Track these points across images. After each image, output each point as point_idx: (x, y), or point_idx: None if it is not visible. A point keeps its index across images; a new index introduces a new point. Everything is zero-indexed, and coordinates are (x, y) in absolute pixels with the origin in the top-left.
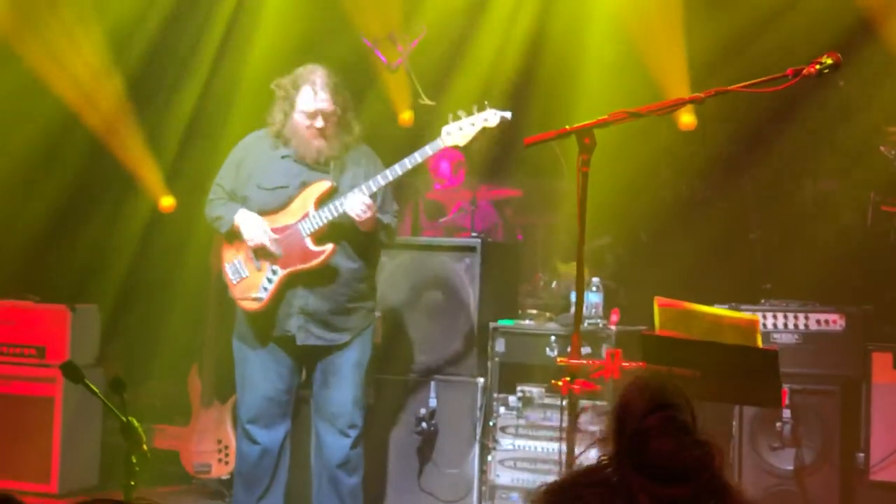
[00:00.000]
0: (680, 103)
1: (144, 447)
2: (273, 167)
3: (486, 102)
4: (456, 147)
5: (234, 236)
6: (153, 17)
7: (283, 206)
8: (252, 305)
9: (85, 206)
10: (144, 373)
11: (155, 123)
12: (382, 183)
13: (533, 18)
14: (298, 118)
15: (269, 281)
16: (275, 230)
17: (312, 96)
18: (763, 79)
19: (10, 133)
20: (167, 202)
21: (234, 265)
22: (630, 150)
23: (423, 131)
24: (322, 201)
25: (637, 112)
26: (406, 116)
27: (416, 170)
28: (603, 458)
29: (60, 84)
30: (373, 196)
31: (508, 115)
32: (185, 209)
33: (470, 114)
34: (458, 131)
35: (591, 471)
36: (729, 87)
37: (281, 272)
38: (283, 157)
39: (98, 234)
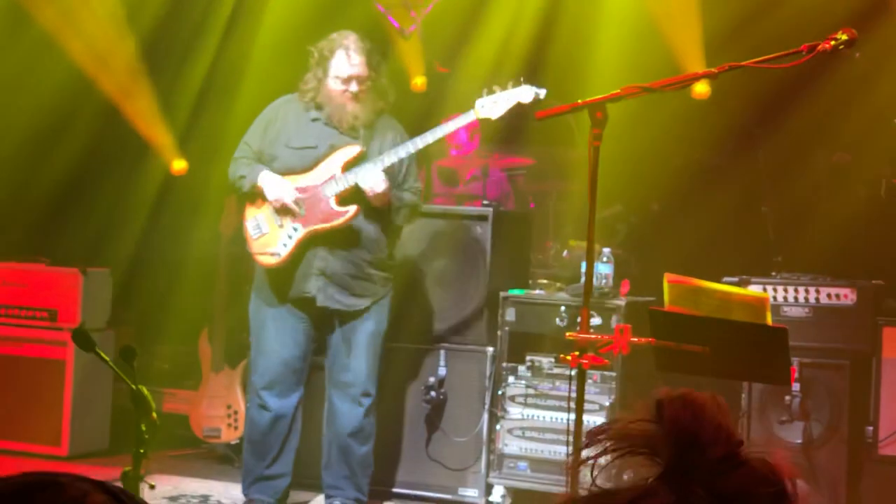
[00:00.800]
0: (693, 78)
1: (154, 415)
2: (303, 128)
3: (521, 78)
4: (488, 120)
5: (255, 196)
6: None
7: (309, 167)
8: (270, 261)
9: (98, 169)
10: (156, 337)
11: (168, 88)
12: (397, 158)
13: None
14: (333, 84)
15: (290, 238)
16: (299, 189)
17: (346, 61)
18: (777, 54)
19: (24, 96)
20: (179, 166)
21: (256, 220)
22: (643, 120)
23: (436, 98)
24: (350, 166)
25: (650, 87)
26: (419, 82)
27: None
28: (651, 481)
29: (74, 47)
30: (389, 170)
31: (543, 92)
32: (198, 174)
33: (504, 88)
34: (493, 105)
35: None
36: (742, 63)
37: (302, 230)
38: (313, 119)
39: (111, 198)
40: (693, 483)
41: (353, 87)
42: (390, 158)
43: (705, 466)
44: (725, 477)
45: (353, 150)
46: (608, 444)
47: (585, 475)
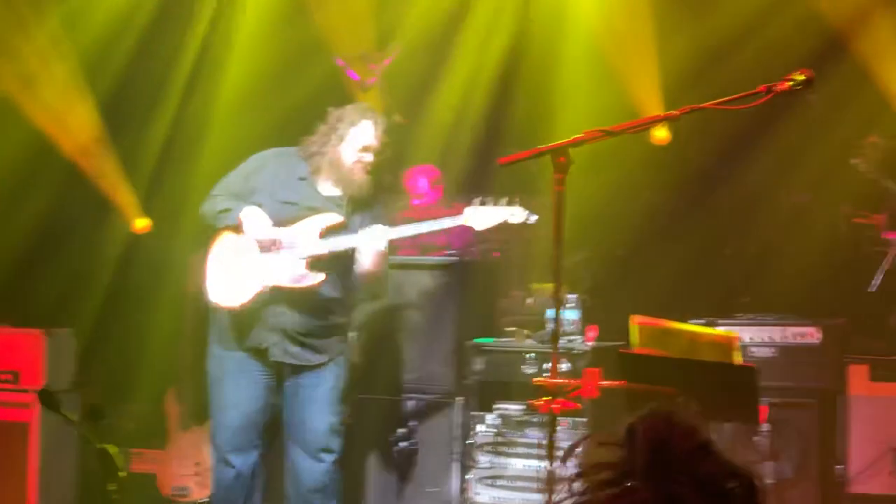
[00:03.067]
0: (654, 121)
1: (122, 474)
2: (288, 183)
3: (516, 199)
4: (472, 228)
5: (227, 233)
6: (127, 41)
7: (289, 222)
8: (227, 303)
9: (60, 230)
10: (122, 396)
11: (130, 146)
12: (404, 234)
13: (508, 36)
14: (347, 151)
15: (253, 285)
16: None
17: (372, 132)
18: (736, 96)
19: None
20: (142, 224)
21: (220, 260)
22: (605, 166)
23: (398, 150)
24: (327, 232)
25: (612, 130)
26: None
27: (394, 187)
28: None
29: (34, 109)
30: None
31: (535, 218)
32: (162, 232)
33: (497, 203)
34: (482, 216)
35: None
36: (702, 105)
37: (266, 283)
38: (300, 178)
39: (74, 258)
40: (672, 474)
41: (368, 157)
42: (398, 233)
43: (682, 458)
44: (702, 463)
45: (333, 218)
46: (580, 479)
47: None
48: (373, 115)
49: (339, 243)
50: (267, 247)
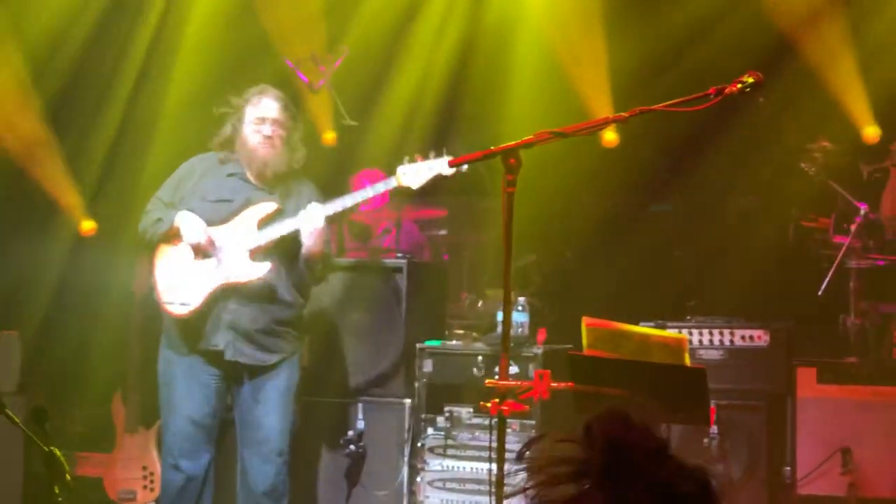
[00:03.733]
0: (604, 123)
1: (68, 477)
2: (218, 182)
3: (443, 149)
4: (408, 189)
5: (169, 241)
6: (73, 41)
7: (224, 219)
8: (179, 311)
9: (5, 232)
10: (68, 399)
11: (76, 149)
12: (343, 207)
13: (458, 39)
14: (248, 129)
15: (202, 289)
16: (215, 240)
17: (263, 105)
18: (686, 98)
19: None
20: (88, 226)
21: (167, 269)
22: (555, 169)
23: (346, 152)
24: (265, 222)
25: (562, 132)
26: (329, 136)
27: (340, 190)
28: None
29: None
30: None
31: (465, 166)
32: (108, 234)
33: (426, 158)
34: (414, 174)
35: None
36: (652, 107)
37: (215, 283)
38: (228, 174)
39: (20, 261)
40: (627, 477)
41: (267, 129)
42: (334, 207)
43: (638, 461)
44: (657, 467)
45: (269, 207)
46: (537, 475)
47: None
48: (263, 90)
49: (278, 230)
50: (205, 249)
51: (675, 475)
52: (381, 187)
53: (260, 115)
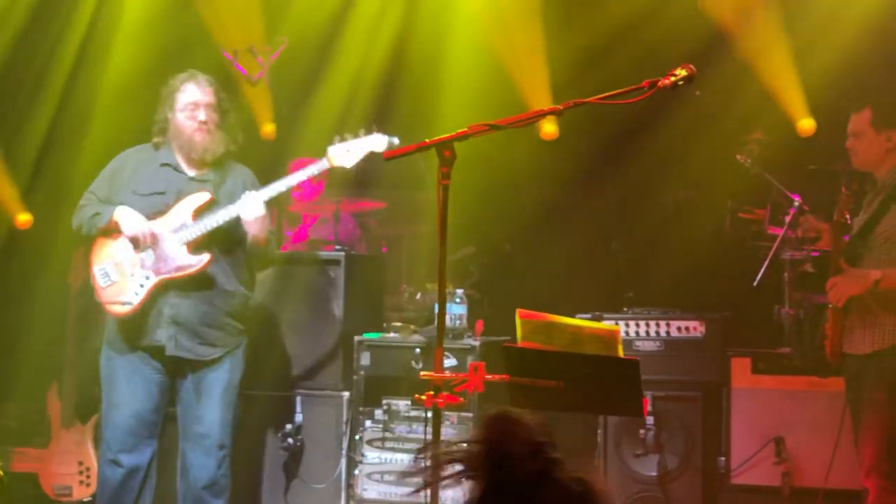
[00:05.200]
0: (540, 115)
1: (1, 473)
2: (151, 174)
3: (373, 126)
4: (342, 168)
5: (105, 238)
6: (7, 31)
7: (159, 212)
8: (120, 310)
9: None
10: (2, 394)
11: (10, 140)
12: (277, 192)
13: (395, 30)
14: (181, 116)
15: (142, 286)
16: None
17: (196, 89)
18: (620, 91)
19: None
20: (24, 218)
21: (104, 269)
22: (492, 161)
23: (284, 144)
24: (200, 213)
25: (497, 124)
26: (268, 129)
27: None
28: (472, 501)
29: None
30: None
31: (396, 140)
32: (43, 225)
33: (356, 136)
34: (346, 153)
35: None
36: (587, 99)
37: (154, 279)
38: (162, 164)
39: None
40: (504, 470)
41: (202, 114)
42: (270, 192)
43: (519, 482)
44: (538, 492)
45: (202, 197)
46: (435, 466)
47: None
48: (194, 75)
49: (214, 219)
50: (143, 243)
51: (557, 500)
52: (313, 169)
53: (192, 101)
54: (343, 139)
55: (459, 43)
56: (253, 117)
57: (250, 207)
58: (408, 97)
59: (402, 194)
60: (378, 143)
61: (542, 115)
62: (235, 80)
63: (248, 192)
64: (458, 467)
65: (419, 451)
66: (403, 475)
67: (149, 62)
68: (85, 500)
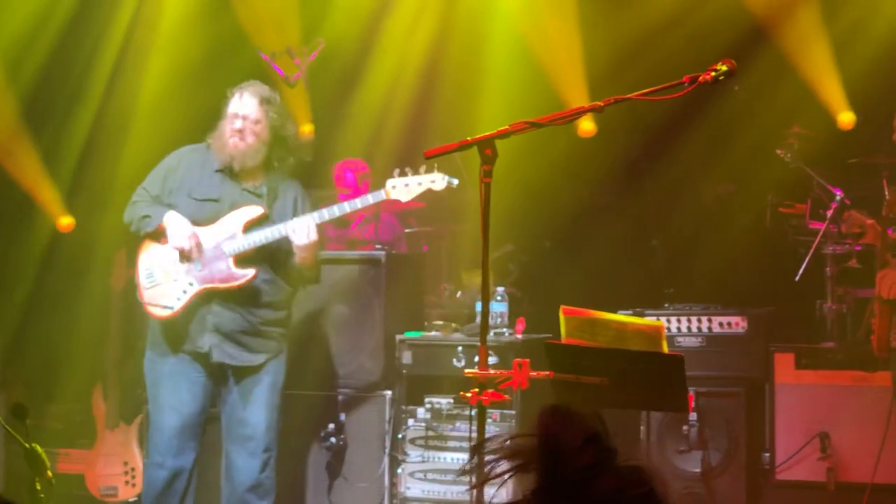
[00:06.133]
0: (580, 112)
1: (49, 473)
2: (206, 179)
3: (434, 165)
4: (397, 201)
5: (155, 239)
6: (48, 34)
7: (210, 220)
8: (161, 313)
9: None
10: (47, 396)
11: (52, 143)
12: (328, 217)
13: (433, 30)
14: (224, 124)
15: (184, 293)
16: (199, 242)
17: (238, 101)
18: (660, 87)
19: None
20: (66, 221)
21: (150, 269)
22: (532, 158)
23: (323, 145)
24: (251, 226)
25: (538, 122)
26: (306, 129)
27: (322, 181)
28: (526, 496)
29: None
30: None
31: (455, 181)
32: (85, 228)
33: (417, 172)
34: (404, 187)
35: None
36: (627, 96)
37: (197, 286)
38: (216, 170)
39: None
40: (560, 495)
41: (238, 123)
42: (322, 217)
43: (574, 472)
44: (593, 482)
45: (255, 211)
46: (489, 462)
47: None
48: (243, 87)
49: (263, 236)
50: (191, 253)
51: (613, 489)
52: (370, 199)
53: (234, 111)
54: (403, 174)
55: (497, 41)
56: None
57: (301, 232)
58: (445, 95)
59: (441, 193)
60: (438, 182)
61: (583, 111)
62: (273, 81)
63: (300, 217)
64: (514, 462)
65: (474, 448)
66: (460, 473)
67: (188, 65)
68: (131, 500)
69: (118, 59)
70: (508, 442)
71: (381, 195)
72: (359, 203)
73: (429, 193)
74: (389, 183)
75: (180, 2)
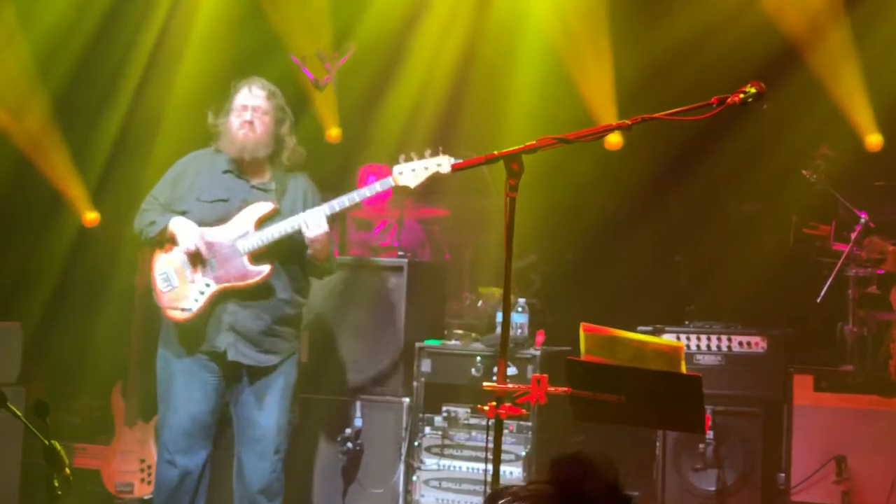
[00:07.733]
0: (608, 129)
1: (67, 471)
2: (214, 180)
3: (440, 147)
4: (406, 188)
5: (164, 245)
6: (81, 33)
7: (221, 220)
8: (179, 316)
9: (10, 223)
10: (68, 391)
11: (82, 141)
12: (339, 208)
13: (463, 41)
14: (231, 118)
15: (201, 294)
16: (211, 243)
17: (247, 93)
18: (688, 107)
19: None
20: (91, 216)
21: (165, 274)
22: (557, 170)
23: (351, 148)
24: (262, 222)
25: (565, 138)
26: (334, 133)
27: (345, 187)
28: None
29: None
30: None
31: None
32: (112, 227)
33: (422, 156)
34: (411, 172)
35: None
36: (655, 115)
37: (214, 286)
38: (224, 171)
39: (23, 251)
40: None
41: (247, 115)
42: (332, 208)
43: (589, 500)
44: None
45: (265, 207)
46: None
47: None
48: (250, 81)
49: (275, 231)
50: (200, 256)
51: None
52: (377, 186)
53: (243, 102)
54: (408, 158)
55: (526, 54)
56: (320, 121)
57: (313, 224)
58: (474, 107)
59: (465, 201)
60: (444, 164)
61: (611, 129)
62: (303, 84)
63: (311, 210)
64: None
65: (491, 497)
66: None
67: (220, 68)
68: (146, 497)
69: (150, 60)
70: (526, 490)
71: (388, 182)
72: (367, 192)
73: (454, 201)
74: (396, 169)
75: (213, 5)
